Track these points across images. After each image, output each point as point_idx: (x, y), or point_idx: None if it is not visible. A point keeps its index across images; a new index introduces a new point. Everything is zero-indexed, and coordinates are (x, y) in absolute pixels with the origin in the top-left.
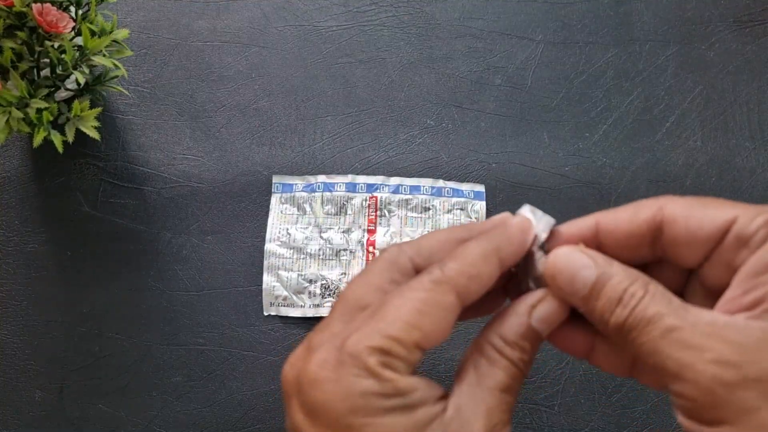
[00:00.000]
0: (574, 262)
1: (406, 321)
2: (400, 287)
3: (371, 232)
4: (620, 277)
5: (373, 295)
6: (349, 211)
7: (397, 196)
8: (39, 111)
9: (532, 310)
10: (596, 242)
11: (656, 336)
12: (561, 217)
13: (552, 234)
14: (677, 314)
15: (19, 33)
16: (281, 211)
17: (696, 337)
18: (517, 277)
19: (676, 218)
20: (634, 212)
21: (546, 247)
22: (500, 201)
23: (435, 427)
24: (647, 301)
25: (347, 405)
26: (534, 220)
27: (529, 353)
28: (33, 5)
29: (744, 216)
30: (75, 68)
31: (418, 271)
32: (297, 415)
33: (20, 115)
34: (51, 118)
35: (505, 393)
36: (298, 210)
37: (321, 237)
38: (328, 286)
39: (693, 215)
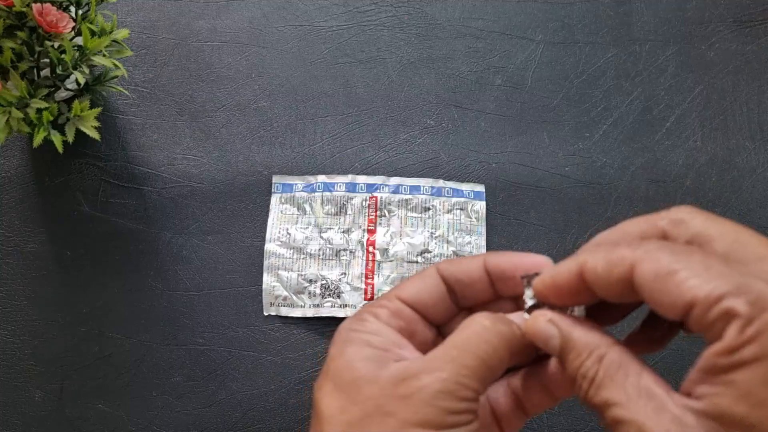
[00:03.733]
0: (542, 330)
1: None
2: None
3: (371, 232)
4: (577, 351)
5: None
6: (349, 211)
7: (397, 196)
8: (39, 111)
9: None
10: (582, 284)
11: (608, 423)
12: (561, 217)
13: (537, 276)
14: (625, 404)
15: (19, 33)
16: (281, 211)
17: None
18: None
19: (644, 287)
20: (608, 267)
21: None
22: (500, 201)
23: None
24: (599, 380)
25: None
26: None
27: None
28: (33, 5)
29: (702, 303)
30: (75, 68)
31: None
32: None
33: (20, 115)
34: (51, 118)
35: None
36: (298, 210)
37: (321, 237)
38: (328, 286)
39: (659, 288)
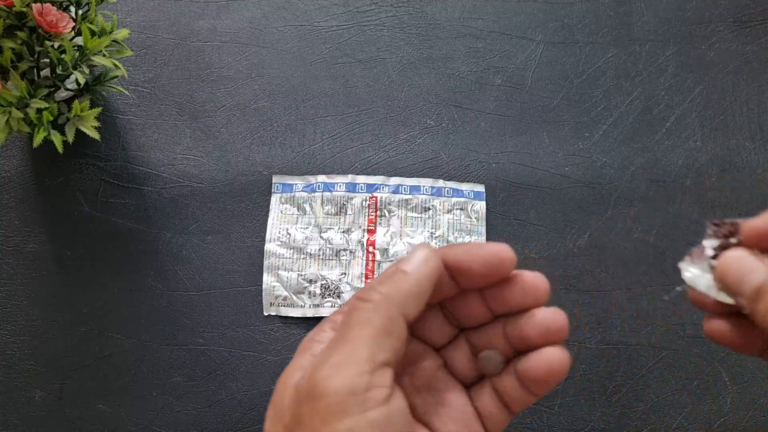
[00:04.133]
0: (742, 264)
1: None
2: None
3: (371, 232)
4: None
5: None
6: (349, 211)
7: (397, 196)
8: (39, 111)
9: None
10: None
11: None
12: (561, 217)
13: (735, 227)
14: None
15: (19, 33)
16: (281, 211)
17: None
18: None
19: None
20: None
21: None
22: (500, 201)
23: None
24: None
25: None
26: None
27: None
28: (33, 5)
29: None
30: (75, 68)
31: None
32: None
33: (20, 115)
34: (51, 118)
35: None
36: (298, 210)
37: (321, 237)
38: (328, 286)
39: None
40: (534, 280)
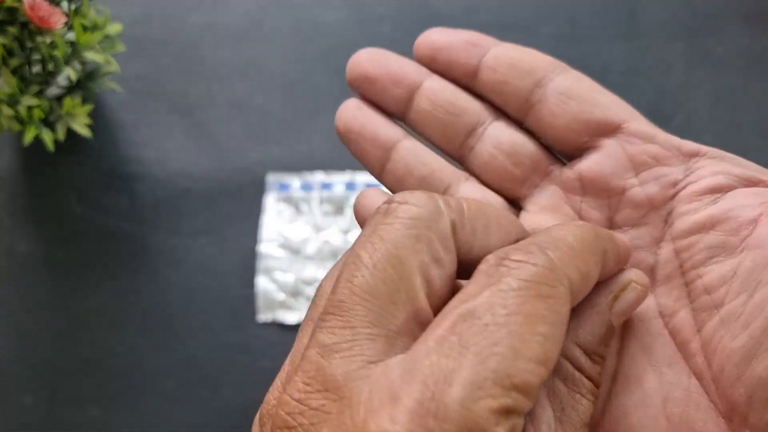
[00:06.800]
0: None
1: (533, 357)
2: (478, 288)
3: None
4: None
5: (416, 291)
6: (347, 211)
7: None
8: (30, 108)
9: (613, 301)
10: None
11: None
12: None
13: None
14: None
15: (10, 29)
16: (277, 211)
17: None
18: None
19: None
20: None
21: None
22: None
23: None
24: None
25: None
26: None
27: (605, 361)
28: (24, 0)
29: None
30: (67, 64)
31: (461, 249)
32: None
33: (11, 112)
34: (42, 116)
35: (587, 427)
36: (294, 210)
37: (319, 237)
38: None
39: None
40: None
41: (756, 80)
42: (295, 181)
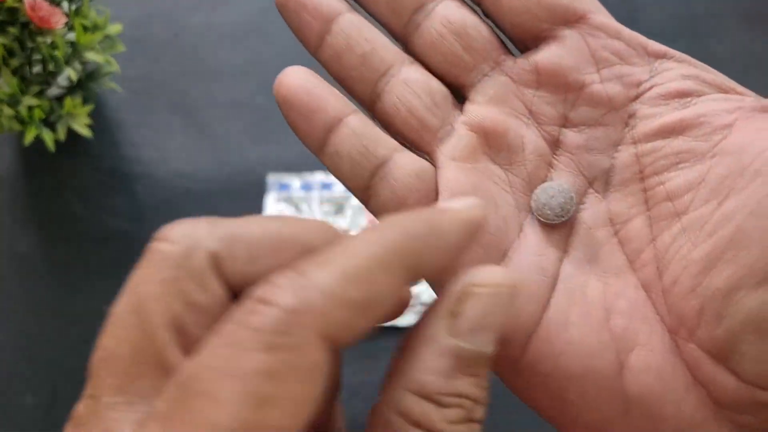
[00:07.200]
0: None
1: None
2: (209, 341)
3: None
4: None
5: (164, 347)
6: (348, 212)
7: None
8: (30, 108)
9: (454, 319)
10: None
11: None
12: None
13: None
14: None
15: (10, 29)
16: (277, 211)
17: None
18: None
19: None
20: None
21: None
22: None
23: None
24: None
25: None
26: None
27: (476, 395)
28: (25, 0)
29: None
30: (67, 64)
31: (232, 279)
32: None
33: (11, 112)
34: (43, 116)
35: None
36: (295, 210)
37: None
38: None
39: None
40: None
41: (755, 80)
42: (295, 181)
